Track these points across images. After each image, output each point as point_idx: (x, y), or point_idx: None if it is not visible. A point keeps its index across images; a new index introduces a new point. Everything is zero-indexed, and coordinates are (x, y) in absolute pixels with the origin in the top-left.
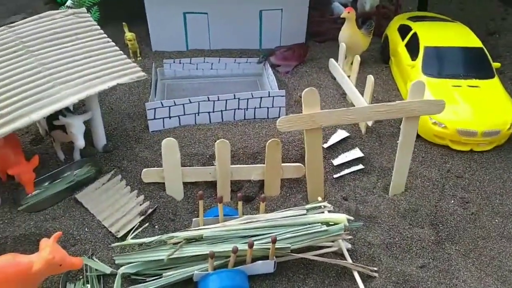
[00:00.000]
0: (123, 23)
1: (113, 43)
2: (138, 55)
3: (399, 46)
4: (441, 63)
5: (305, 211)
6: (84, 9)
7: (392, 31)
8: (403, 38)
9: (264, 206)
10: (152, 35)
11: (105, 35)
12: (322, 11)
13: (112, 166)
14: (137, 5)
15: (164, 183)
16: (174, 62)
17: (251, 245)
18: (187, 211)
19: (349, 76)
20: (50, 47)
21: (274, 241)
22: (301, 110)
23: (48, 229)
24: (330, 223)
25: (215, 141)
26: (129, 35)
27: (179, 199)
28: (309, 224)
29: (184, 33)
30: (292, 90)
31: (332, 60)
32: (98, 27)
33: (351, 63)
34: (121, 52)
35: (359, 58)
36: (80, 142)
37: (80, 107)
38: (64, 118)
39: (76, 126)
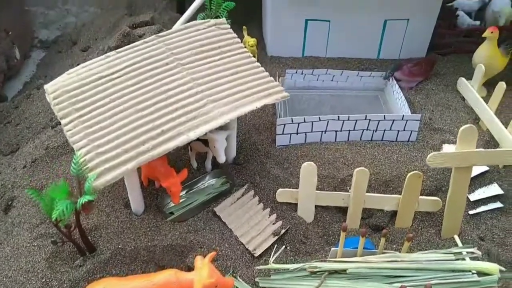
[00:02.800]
0: (244, 26)
1: (254, 59)
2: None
3: None
4: None
5: (453, 256)
6: (224, 20)
7: None
8: None
9: (408, 245)
10: (270, 40)
11: (245, 49)
12: (449, 22)
13: (245, 180)
14: (252, 8)
15: (295, 203)
16: (296, 72)
17: None
18: (317, 235)
19: (483, 97)
20: (199, 60)
21: None
22: (430, 133)
23: (192, 242)
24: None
25: (345, 163)
26: (251, 41)
27: (309, 221)
28: (459, 271)
29: (302, 40)
30: (419, 110)
31: (462, 80)
32: (239, 40)
33: (482, 84)
34: (263, 69)
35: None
36: (222, 158)
37: None
38: (211, 133)
39: (220, 142)
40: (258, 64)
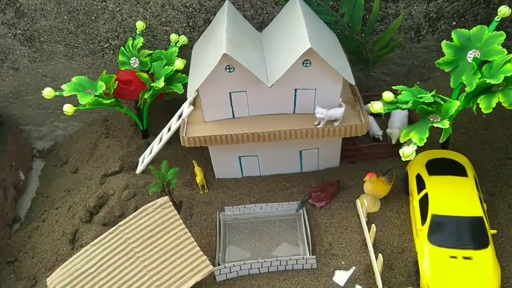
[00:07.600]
0: (194, 160)
1: (189, 234)
2: (206, 189)
3: (414, 198)
4: (445, 232)
5: None
6: (167, 198)
7: (411, 173)
8: (418, 191)
9: None
10: (215, 170)
11: (184, 225)
12: (354, 140)
13: None
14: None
15: None
16: (233, 207)
17: None
18: None
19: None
20: (149, 245)
21: None
22: (328, 259)
23: None
24: None
25: None
26: (199, 178)
27: None
28: None
29: (239, 167)
30: (324, 232)
31: (357, 203)
32: (178, 216)
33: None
34: (196, 244)
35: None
36: None
37: None
38: None
39: None
40: (193, 240)
